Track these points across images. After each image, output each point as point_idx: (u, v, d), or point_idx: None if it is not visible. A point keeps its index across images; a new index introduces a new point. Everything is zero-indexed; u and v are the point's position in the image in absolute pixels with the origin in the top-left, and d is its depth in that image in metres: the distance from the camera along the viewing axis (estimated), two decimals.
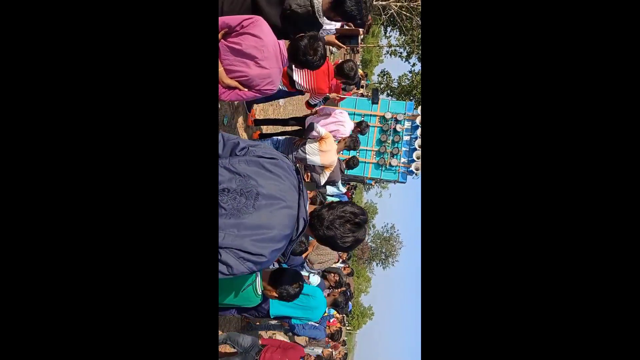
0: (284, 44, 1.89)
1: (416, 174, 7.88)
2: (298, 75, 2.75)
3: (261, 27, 1.75)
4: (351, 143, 3.41)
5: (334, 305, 2.95)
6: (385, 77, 19.75)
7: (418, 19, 13.25)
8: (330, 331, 4.19)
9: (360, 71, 3.74)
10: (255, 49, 1.73)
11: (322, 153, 3.09)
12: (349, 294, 4.14)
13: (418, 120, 7.73)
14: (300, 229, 1.16)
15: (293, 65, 2.77)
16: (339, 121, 3.48)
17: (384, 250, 43.26)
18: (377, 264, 44.55)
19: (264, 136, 3.85)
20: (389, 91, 19.28)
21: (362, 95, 7.88)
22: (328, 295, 3.02)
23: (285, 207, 1.13)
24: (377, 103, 6.51)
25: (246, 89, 1.82)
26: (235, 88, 1.80)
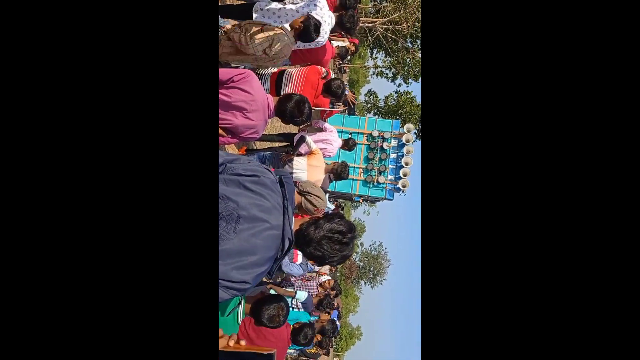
0: (272, 99, 1.99)
1: (403, 191, 7.92)
2: (285, 87, 2.76)
3: (251, 82, 1.86)
4: (340, 168, 3.35)
5: (321, 333, 2.86)
6: (371, 97, 20.15)
7: (403, 41, 13.67)
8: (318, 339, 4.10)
9: (349, 92, 3.79)
10: (244, 102, 1.84)
11: (311, 168, 3.06)
12: (337, 318, 4.05)
13: (404, 138, 7.84)
14: (286, 248, 1.12)
15: (282, 81, 2.79)
16: (327, 139, 3.47)
17: (372, 269, 42.97)
18: (365, 283, 44.14)
19: (250, 151, 3.82)
20: (375, 110, 19.64)
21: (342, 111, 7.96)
22: (316, 321, 2.94)
23: (268, 228, 1.07)
24: (353, 114, 6.68)
25: (229, 135, 1.92)
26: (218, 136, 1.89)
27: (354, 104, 3.60)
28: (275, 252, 1.10)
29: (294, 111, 1.95)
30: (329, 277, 5.08)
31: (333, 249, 1.14)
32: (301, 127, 3.57)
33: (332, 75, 3.00)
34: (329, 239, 1.13)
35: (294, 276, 3.68)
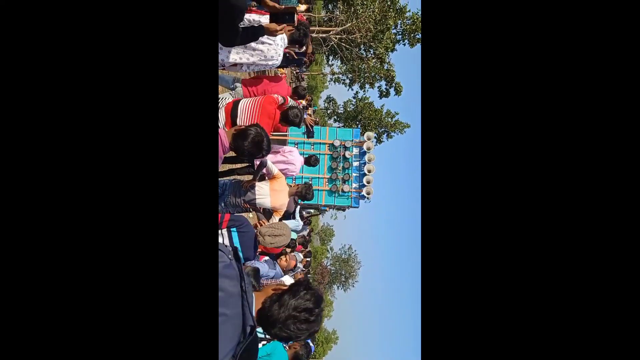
0: (224, 134, 1.89)
1: (368, 199, 8.05)
2: (241, 119, 2.70)
3: None
4: (304, 190, 3.26)
5: (295, 359, 2.80)
6: (331, 103, 20.39)
7: (357, 50, 13.97)
8: None
9: (308, 116, 3.76)
10: None
11: (274, 193, 3.01)
12: (310, 346, 3.97)
13: (365, 146, 7.99)
14: (247, 334, 1.04)
15: (237, 112, 2.73)
16: (288, 160, 3.44)
17: (343, 272, 43.22)
18: (337, 287, 44.28)
19: None
20: (335, 117, 19.88)
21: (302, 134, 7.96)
22: (289, 347, 2.87)
23: (225, 321, 0.99)
24: (312, 137, 6.82)
25: None
26: None
27: (312, 126, 3.60)
28: (237, 340, 1.03)
29: (253, 150, 1.89)
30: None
31: (300, 329, 1.05)
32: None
33: (290, 102, 2.98)
34: (294, 318, 1.04)
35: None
